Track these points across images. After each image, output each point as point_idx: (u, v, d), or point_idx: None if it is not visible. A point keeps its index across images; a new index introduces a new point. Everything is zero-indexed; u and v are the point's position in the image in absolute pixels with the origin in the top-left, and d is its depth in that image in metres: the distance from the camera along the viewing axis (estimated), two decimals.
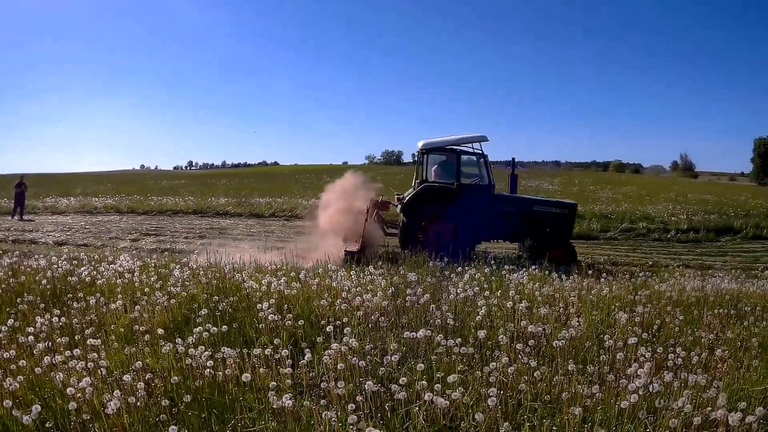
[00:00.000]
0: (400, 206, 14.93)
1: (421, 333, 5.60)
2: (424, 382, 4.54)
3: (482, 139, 14.94)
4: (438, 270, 9.74)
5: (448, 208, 14.43)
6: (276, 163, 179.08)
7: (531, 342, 5.88)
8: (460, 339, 5.61)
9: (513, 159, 15.45)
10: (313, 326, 6.53)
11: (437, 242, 13.46)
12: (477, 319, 6.51)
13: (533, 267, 10.21)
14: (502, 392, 4.67)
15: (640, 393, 4.61)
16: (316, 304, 7.08)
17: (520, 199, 15.93)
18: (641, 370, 5.02)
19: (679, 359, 5.54)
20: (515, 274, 9.34)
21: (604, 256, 18.93)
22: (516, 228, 15.32)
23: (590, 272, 10.63)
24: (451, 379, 4.62)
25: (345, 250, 12.80)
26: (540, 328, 6.15)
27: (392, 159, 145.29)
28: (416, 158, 16.06)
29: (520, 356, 5.47)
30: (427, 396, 4.34)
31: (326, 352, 5.22)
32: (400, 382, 4.55)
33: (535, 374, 5.04)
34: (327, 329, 5.86)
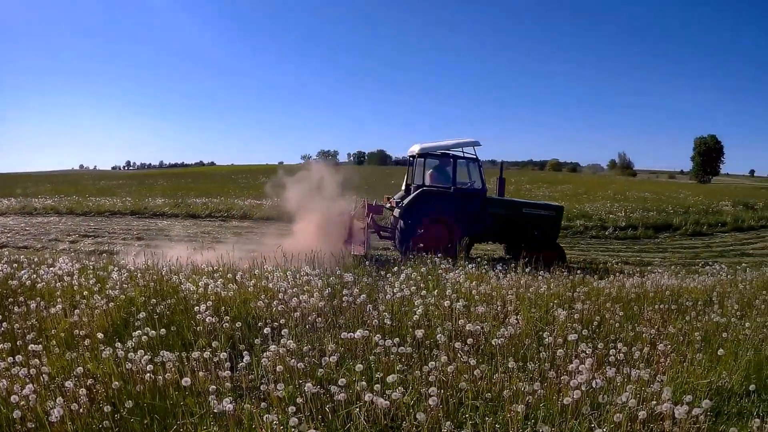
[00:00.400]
0: (396, 209, 15.44)
1: (358, 333, 5.74)
2: (363, 382, 4.69)
3: (475, 143, 15.80)
4: (374, 270, 9.88)
5: (444, 212, 15.12)
6: (213, 163, 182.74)
7: (470, 340, 5.97)
8: (398, 339, 5.68)
9: (501, 163, 17.24)
10: (251, 328, 6.61)
11: (434, 245, 13.82)
12: (414, 318, 6.63)
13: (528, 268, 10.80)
14: (442, 391, 4.78)
15: (583, 389, 4.71)
16: (253, 305, 7.24)
17: (511, 202, 17.05)
18: (583, 366, 5.12)
19: (621, 354, 5.70)
20: (451, 273, 9.54)
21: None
22: (506, 230, 16.18)
23: (527, 270, 10.73)
24: (390, 379, 4.73)
25: (354, 254, 13.23)
26: (478, 327, 6.28)
27: (327, 159, 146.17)
28: (408, 162, 16.90)
29: (459, 355, 5.55)
30: (368, 396, 4.47)
31: (265, 354, 5.34)
32: (340, 383, 4.67)
33: (475, 372, 5.16)
34: (264, 331, 5.97)
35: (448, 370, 5.13)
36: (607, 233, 25.63)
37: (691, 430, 4.46)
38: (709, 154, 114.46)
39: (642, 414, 4.41)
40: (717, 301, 9.14)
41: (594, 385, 4.79)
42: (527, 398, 4.83)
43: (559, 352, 5.70)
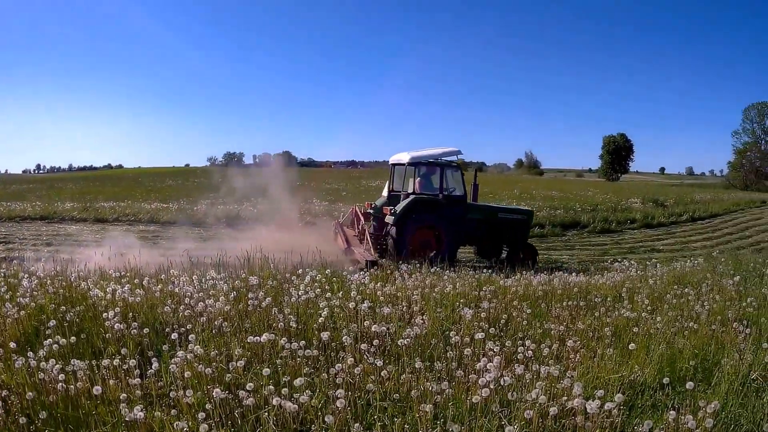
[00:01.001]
0: (389, 216, 16.69)
1: (264, 337, 5.87)
2: (271, 386, 4.91)
3: (458, 152, 18.07)
4: (279, 273, 9.97)
5: (435, 219, 16.72)
6: (120, 166, 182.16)
7: (376, 342, 6.13)
8: (303, 341, 5.87)
9: (476, 170, 18.87)
10: (159, 334, 6.75)
11: (423, 250, 15.77)
12: (320, 321, 6.82)
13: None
14: (350, 393, 4.94)
15: (492, 387, 4.86)
16: (160, 311, 7.31)
17: (488, 208, 19.07)
18: (490, 364, 5.28)
19: (529, 352, 5.93)
20: (356, 275, 9.87)
21: None
22: (484, 234, 18.12)
23: (432, 270, 10.97)
24: (297, 382, 4.85)
25: (367, 260, 14.35)
26: (384, 328, 6.46)
27: (233, 160, 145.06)
28: (390, 169, 18.87)
29: (365, 356, 5.73)
30: (276, 401, 4.59)
31: (173, 360, 5.47)
32: (248, 387, 4.86)
33: (382, 374, 5.33)
34: (172, 336, 6.15)
35: (355, 371, 5.28)
36: None
37: (605, 424, 4.61)
38: (618, 152, 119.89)
39: (553, 410, 4.57)
40: (627, 297, 9.53)
41: (502, 383, 4.95)
42: (436, 398, 4.95)
43: (466, 351, 5.84)
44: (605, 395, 4.79)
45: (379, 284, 8.88)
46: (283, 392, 4.75)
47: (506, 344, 6.27)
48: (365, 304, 7.32)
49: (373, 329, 6.31)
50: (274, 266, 10.63)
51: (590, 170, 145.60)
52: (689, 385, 5.33)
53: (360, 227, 17.88)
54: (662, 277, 12.28)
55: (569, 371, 5.58)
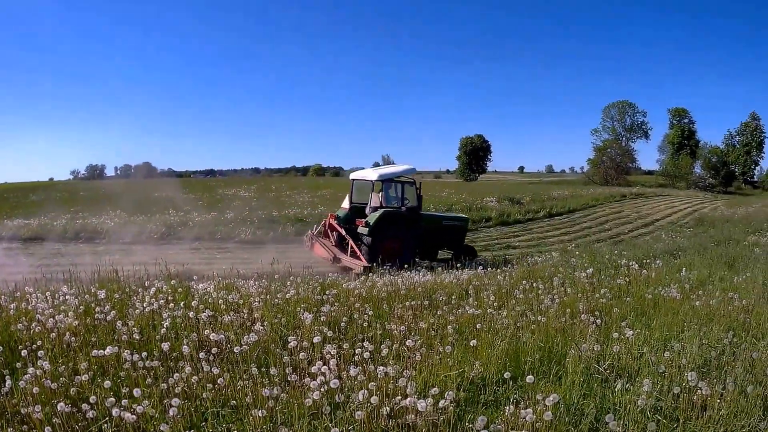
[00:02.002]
0: (362, 227, 19.30)
1: (108, 350, 5.96)
2: (112, 398, 4.93)
3: (413, 170, 21.09)
4: (128, 285, 9.97)
5: (401, 228, 19.57)
6: None
7: (214, 350, 6.29)
8: (145, 353, 5.96)
9: (419, 183, 21.10)
10: (13, 352, 6.63)
11: (391, 256, 18.18)
12: (162, 331, 6.91)
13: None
14: (187, 402, 5.16)
15: (323, 389, 5.01)
16: (14, 328, 7.21)
17: (435, 216, 22.44)
18: (325, 367, 5.46)
19: (367, 353, 6.00)
20: (201, 285, 10.07)
21: (298, 259, 19.68)
22: (432, 238, 20.99)
23: (277, 276, 11.02)
24: (136, 393, 5.00)
25: (364, 267, 17.06)
26: (222, 336, 6.61)
27: (96, 173, 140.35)
28: (351, 183, 21.71)
29: (203, 365, 5.85)
30: (115, 412, 4.71)
31: (24, 377, 5.40)
32: (91, 400, 5.04)
33: (219, 381, 5.51)
34: (23, 353, 6.03)
35: (192, 380, 5.48)
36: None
37: (438, 421, 4.68)
38: (475, 153, 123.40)
39: (386, 409, 4.62)
40: (473, 294, 9.80)
41: (332, 385, 5.04)
42: (269, 403, 5.05)
43: (302, 355, 5.95)
44: (439, 392, 4.91)
45: (222, 292, 8.99)
46: (123, 403, 4.84)
47: (344, 346, 6.40)
48: (206, 313, 7.53)
49: (211, 337, 6.43)
50: (123, 279, 10.53)
51: (448, 171, 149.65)
52: (529, 378, 5.54)
53: (335, 237, 20.81)
54: (511, 273, 12.66)
55: (407, 370, 5.75)
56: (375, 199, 20.29)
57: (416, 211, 20.10)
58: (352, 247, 18.90)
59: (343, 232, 19.98)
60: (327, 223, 21.22)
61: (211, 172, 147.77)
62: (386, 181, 20.40)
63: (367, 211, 20.08)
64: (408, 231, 19.59)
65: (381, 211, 19.33)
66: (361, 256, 18.26)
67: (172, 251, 21.56)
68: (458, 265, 15.68)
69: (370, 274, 14.05)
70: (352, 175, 21.84)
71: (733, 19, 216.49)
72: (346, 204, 21.49)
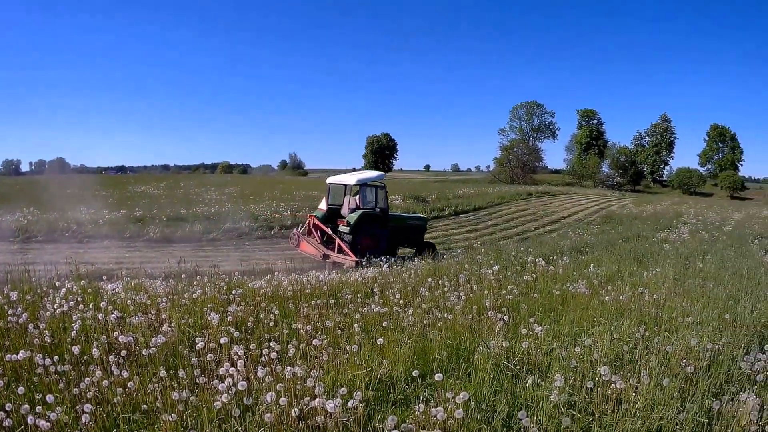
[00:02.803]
0: (344, 227, 21.50)
1: (21, 355, 5.81)
2: (26, 405, 4.83)
3: (384, 176, 23.62)
4: (39, 286, 9.69)
5: (376, 227, 21.99)
6: None
7: (123, 352, 6.20)
8: (57, 357, 5.83)
9: (384, 186, 23.30)
10: None
11: (369, 251, 20.13)
12: (72, 334, 6.71)
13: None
14: (99, 407, 5.02)
15: (232, 391, 4.95)
16: None
17: (400, 216, 25.41)
18: (233, 368, 5.43)
19: (274, 353, 5.99)
20: (110, 285, 9.96)
21: (206, 259, 19.96)
22: (398, 237, 23.33)
23: (184, 276, 10.81)
24: (49, 399, 4.89)
25: (356, 261, 19.06)
26: (131, 338, 6.53)
27: (12, 168, 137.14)
28: (328, 186, 24.03)
29: (113, 368, 5.72)
30: (30, 419, 4.61)
31: None
32: (6, 408, 4.85)
33: (129, 385, 5.36)
34: None
35: (104, 384, 5.32)
36: (272, 233, 27.29)
37: (349, 421, 4.64)
38: (382, 151, 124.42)
39: (295, 411, 4.58)
40: (378, 292, 9.87)
41: (240, 387, 5.03)
42: (180, 406, 4.98)
43: (209, 357, 5.87)
44: (348, 393, 4.95)
45: (131, 293, 8.94)
46: (38, 410, 4.72)
47: (251, 347, 6.32)
48: (114, 315, 7.39)
49: (120, 339, 6.38)
50: (36, 280, 10.22)
51: (354, 169, 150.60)
52: (438, 376, 5.56)
53: (321, 235, 22.66)
54: (416, 270, 12.75)
55: (315, 370, 5.70)
56: (352, 202, 23.01)
57: (386, 211, 22.75)
58: (339, 245, 20.95)
59: (330, 232, 21.99)
60: (311, 223, 23.09)
61: (122, 169, 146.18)
62: (363, 185, 22.75)
63: (344, 211, 23.01)
64: (381, 229, 22.11)
65: (359, 212, 21.76)
66: (351, 253, 20.27)
67: (83, 250, 21.48)
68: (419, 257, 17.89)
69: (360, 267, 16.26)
70: (329, 180, 24.44)
71: (650, 22, 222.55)
72: (323, 206, 23.81)
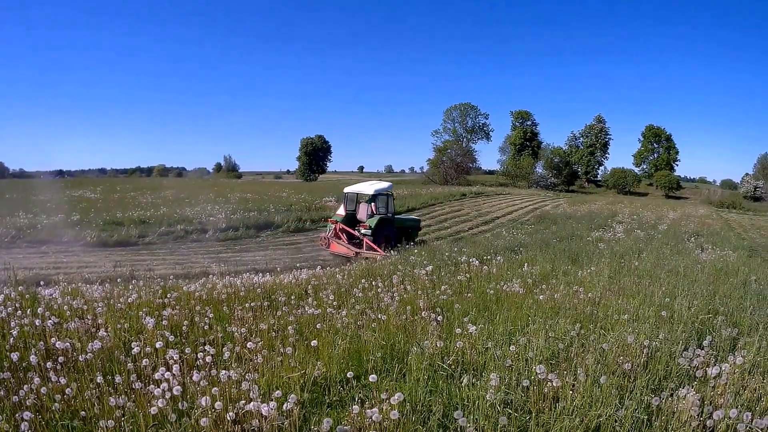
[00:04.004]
0: (365, 229, 26.34)
1: None
2: None
3: (392, 186, 28.92)
4: None
5: (389, 229, 27.08)
6: None
7: (61, 359, 6.10)
8: None
9: (392, 194, 29.08)
10: None
11: (386, 246, 25.12)
12: (11, 341, 6.68)
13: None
14: (38, 414, 5.01)
15: (168, 396, 4.96)
16: None
17: (402, 219, 30.34)
18: (168, 373, 5.37)
19: (209, 357, 6.02)
20: (47, 291, 9.82)
21: (142, 262, 19.61)
22: (401, 234, 27.98)
23: (119, 280, 10.77)
24: None
25: (384, 255, 22.08)
26: (68, 344, 6.43)
27: None
28: (346, 196, 28.92)
29: (51, 375, 5.65)
30: None
31: None
32: None
33: (67, 391, 5.37)
34: None
35: (42, 391, 5.31)
36: (207, 236, 27.41)
37: (284, 425, 4.68)
38: (316, 153, 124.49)
39: (230, 415, 4.63)
40: (312, 294, 9.94)
41: (176, 392, 5.02)
42: (117, 412, 4.96)
43: (144, 362, 5.85)
44: (283, 395, 4.96)
45: (68, 297, 8.93)
46: None
47: (186, 351, 6.37)
48: (51, 320, 7.34)
49: (57, 345, 6.29)
50: None
51: (288, 171, 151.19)
52: (373, 377, 5.59)
53: (348, 237, 27.17)
54: (350, 271, 12.81)
55: (250, 373, 5.74)
56: (369, 208, 27.51)
57: (393, 215, 28.08)
58: (367, 243, 25.56)
59: (359, 234, 26.62)
60: (337, 228, 27.31)
61: (60, 173, 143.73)
62: (378, 194, 27.44)
63: (361, 216, 28.10)
64: (391, 229, 27.22)
65: (378, 217, 26.79)
66: (379, 249, 24.85)
67: (21, 255, 21.41)
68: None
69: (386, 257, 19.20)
70: (346, 189, 29.21)
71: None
72: (341, 211, 28.55)
